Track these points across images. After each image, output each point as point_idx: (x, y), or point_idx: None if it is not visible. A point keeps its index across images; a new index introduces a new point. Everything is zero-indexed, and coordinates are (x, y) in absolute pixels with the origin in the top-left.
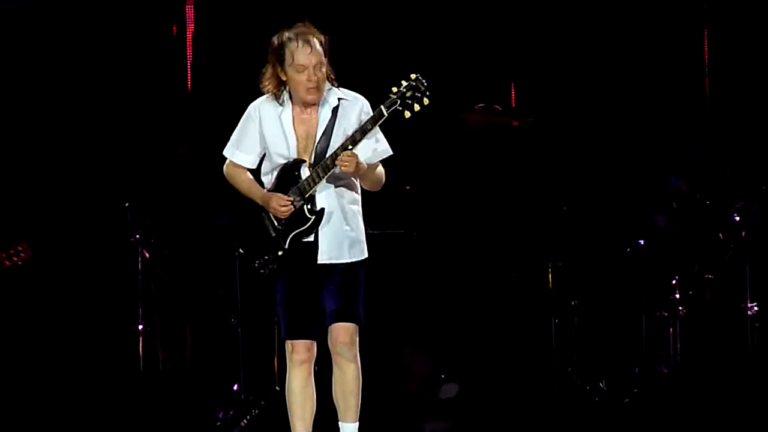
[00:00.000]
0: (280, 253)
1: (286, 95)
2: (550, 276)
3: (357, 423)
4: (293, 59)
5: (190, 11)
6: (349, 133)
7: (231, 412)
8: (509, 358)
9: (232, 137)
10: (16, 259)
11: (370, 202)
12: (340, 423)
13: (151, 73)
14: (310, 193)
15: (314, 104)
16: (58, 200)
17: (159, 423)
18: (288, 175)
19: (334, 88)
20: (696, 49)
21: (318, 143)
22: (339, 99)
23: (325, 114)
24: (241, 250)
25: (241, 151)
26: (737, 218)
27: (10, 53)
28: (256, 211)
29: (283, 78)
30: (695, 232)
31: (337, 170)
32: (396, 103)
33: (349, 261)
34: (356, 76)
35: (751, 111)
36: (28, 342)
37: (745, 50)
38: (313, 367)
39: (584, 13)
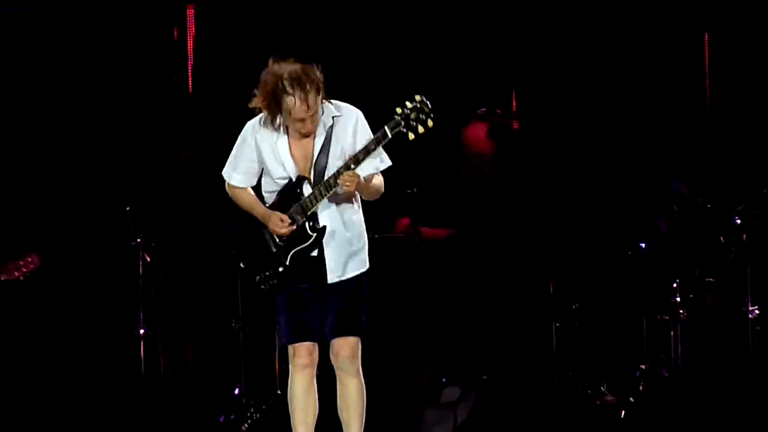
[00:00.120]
0: (281, 269)
1: (280, 120)
2: (550, 279)
3: None
4: (291, 113)
5: (190, 13)
6: (346, 148)
7: (232, 416)
8: (510, 361)
9: (230, 159)
10: (25, 270)
11: (371, 205)
12: None
13: (152, 76)
14: (312, 210)
15: None
16: (59, 204)
17: (160, 427)
18: (290, 192)
19: (326, 103)
20: (696, 52)
21: (316, 162)
22: (333, 117)
23: (320, 134)
24: (241, 265)
25: (238, 174)
26: (738, 221)
27: (12, 57)
28: (257, 225)
29: (279, 113)
30: (696, 235)
31: (339, 189)
32: (400, 124)
33: (352, 275)
34: (357, 82)
35: (751, 114)
36: (30, 346)
37: (745, 53)
38: (315, 371)
39: (585, 16)
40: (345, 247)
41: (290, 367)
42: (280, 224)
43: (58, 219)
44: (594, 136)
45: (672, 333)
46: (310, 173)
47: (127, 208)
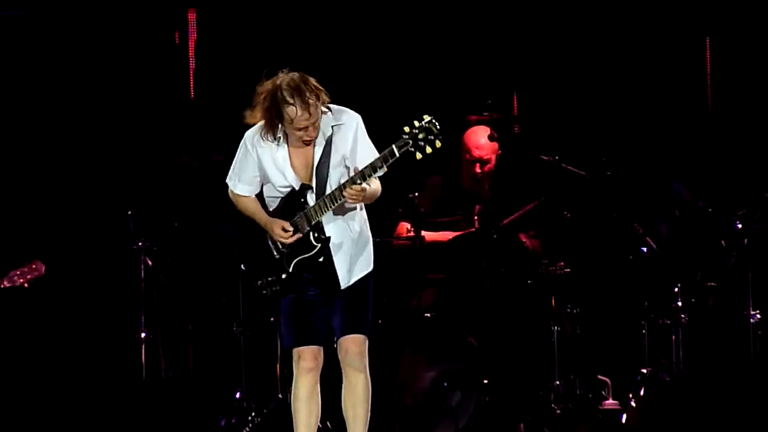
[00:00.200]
0: (283, 276)
1: (281, 133)
2: (552, 283)
3: None
4: (293, 122)
5: (192, 18)
6: (347, 156)
7: (233, 420)
8: (511, 365)
9: (233, 168)
10: (29, 277)
11: (372, 209)
12: None
13: (153, 80)
14: (316, 221)
15: None
16: (61, 208)
17: (162, 431)
18: (293, 200)
19: (325, 111)
20: (698, 57)
21: (317, 171)
22: (332, 126)
23: (319, 142)
24: (243, 267)
25: (242, 183)
26: (739, 226)
27: (13, 62)
28: (260, 230)
29: (280, 126)
30: (697, 239)
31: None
32: (408, 144)
33: (359, 277)
34: (358, 85)
35: (753, 119)
36: (31, 349)
37: (747, 58)
38: (319, 375)
39: (587, 22)
40: (352, 254)
41: (294, 370)
42: (284, 234)
43: (60, 223)
44: (596, 141)
45: (673, 337)
46: (311, 182)
47: (129, 212)
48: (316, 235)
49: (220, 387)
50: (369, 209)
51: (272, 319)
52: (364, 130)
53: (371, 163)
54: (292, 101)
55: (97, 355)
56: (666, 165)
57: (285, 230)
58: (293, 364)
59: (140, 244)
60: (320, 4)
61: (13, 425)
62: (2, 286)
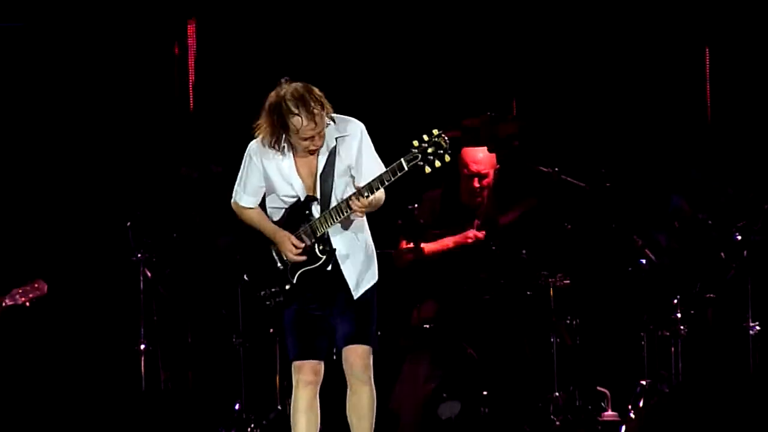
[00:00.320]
0: (287, 287)
1: (285, 142)
2: (551, 294)
3: None
4: (298, 132)
5: (191, 30)
6: (352, 165)
7: (233, 431)
8: (510, 377)
9: (239, 180)
10: (32, 296)
11: (372, 222)
12: None
13: (153, 92)
14: (322, 233)
15: None
16: (60, 219)
17: None
18: (299, 212)
19: (329, 122)
20: (698, 67)
21: (322, 181)
22: (336, 138)
23: (323, 153)
24: (246, 277)
25: (247, 194)
26: (739, 237)
27: (12, 73)
28: (264, 240)
29: (285, 137)
30: (697, 251)
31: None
32: (417, 158)
33: (367, 287)
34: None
35: (752, 130)
36: (31, 361)
37: (746, 68)
38: (318, 388)
39: (586, 33)
40: (361, 264)
41: (294, 382)
42: (294, 250)
43: (59, 234)
44: (595, 152)
45: (673, 349)
46: (316, 192)
47: (128, 224)
48: (321, 246)
49: (220, 398)
50: (368, 219)
51: (271, 330)
52: (369, 139)
53: (379, 177)
54: (297, 111)
55: (96, 366)
56: (665, 177)
57: (295, 246)
58: (293, 376)
59: (139, 255)
60: (320, 15)
61: None
62: (4, 304)
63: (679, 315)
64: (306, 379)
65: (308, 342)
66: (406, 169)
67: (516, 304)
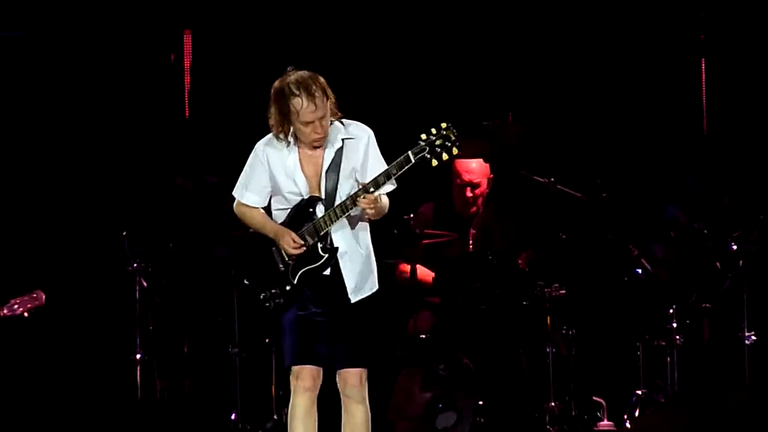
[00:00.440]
0: (288, 288)
1: (291, 136)
2: (547, 304)
3: None
4: (299, 115)
5: (188, 40)
6: (357, 168)
7: None
8: (506, 386)
9: (241, 178)
10: (30, 306)
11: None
12: None
13: (148, 101)
14: (325, 231)
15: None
16: (56, 229)
17: None
18: (302, 212)
19: (337, 123)
20: (693, 79)
21: (326, 182)
22: (343, 139)
23: (329, 154)
24: (246, 281)
25: (250, 192)
26: (735, 247)
27: (10, 82)
28: (266, 243)
29: (288, 125)
30: (693, 261)
31: (353, 211)
32: (424, 150)
33: (367, 295)
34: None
35: (748, 140)
36: (27, 371)
37: (742, 79)
38: (316, 395)
39: (582, 44)
40: (361, 266)
41: (292, 389)
42: (292, 244)
43: (53, 243)
44: (591, 163)
45: (668, 359)
46: (320, 192)
47: (124, 233)
48: (323, 245)
49: (216, 408)
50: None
51: (268, 340)
52: (376, 144)
53: (385, 171)
54: (297, 93)
55: (92, 376)
56: (661, 186)
57: (294, 241)
58: (291, 382)
59: (135, 265)
60: (315, 25)
61: None
62: (2, 314)
63: (674, 325)
64: (305, 386)
65: (307, 347)
66: (413, 161)
67: (512, 314)
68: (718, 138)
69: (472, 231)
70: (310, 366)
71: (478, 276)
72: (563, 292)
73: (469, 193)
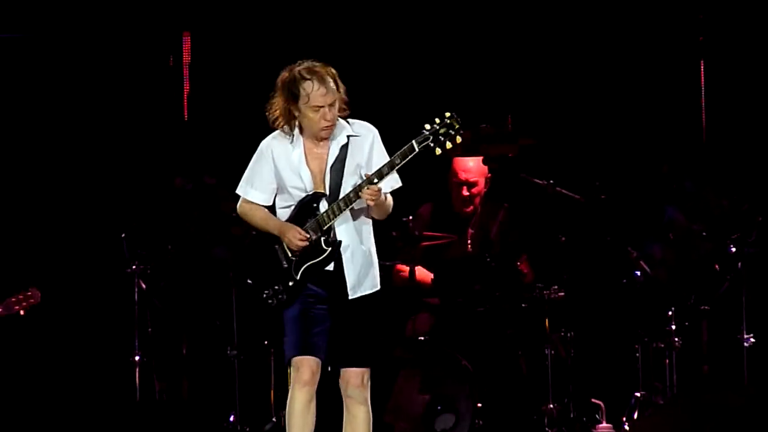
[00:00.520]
0: (290, 283)
1: (296, 130)
2: (546, 306)
3: None
4: (309, 99)
5: (186, 41)
6: (362, 165)
7: None
8: (505, 389)
9: (245, 176)
10: (25, 304)
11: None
12: None
13: (147, 103)
14: (328, 225)
15: (326, 138)
16: (55, 230)
17: None
18: (306, 208)
19: (342, 121)
20: (692, 81)
21: (331, 178)
22: (348, 136)
23: (334, 150)
24: (249, 281)
25: (254, 189)
26: (733, 249)
27: (9, 84)
28: (269, 242)
29: (296, 113)
30: (691, 263)
31: (356, 205)
32: (428, 139)
33: (368, 293)
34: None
35: (747, 142)
36: (25, 372)
37: (741, 82)
38: (315, 389)
39: (581, 45)
40: (363, 261)
41: (291, 382)
42: (297, 236)
43: (52, 245)
44: (589, 165)
45: (667, 361)
46: (324, 187)
47: (123, 235)
48: (326, 238)
49: (214, 410)
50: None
51: (266, 342)
52: (381, 143)
53: (389, 161)
54: (309, 77)
55: (91, 378)
56: (660, 189)
57: (299, 233)
58: (290, 376)
59: (134, 267)
60: (313, 28)
61: None
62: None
63: (673, 327)
64: (304, 379)
65: (308, 338)
66: (417, 149)
67: (511, 316)
68: (717, 140)
69: (470, 231)
70: (310, 357)
71: (477, 278)
72: (562, 294)
73: (465, 192)
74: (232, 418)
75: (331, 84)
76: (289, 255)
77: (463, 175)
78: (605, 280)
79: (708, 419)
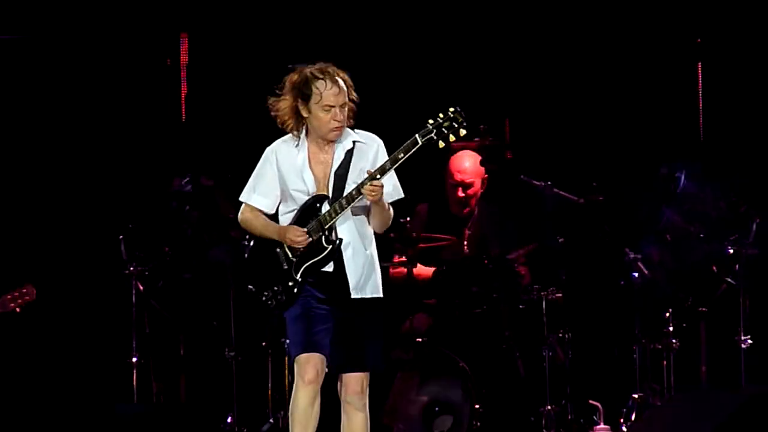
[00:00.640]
0: (290, 284)
1: (302, 134)
2: (544, 308)
3: None
4: (321, 98)
5: (184, 42)
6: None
7: None
8: (502, 390)
9: (249, 183)
10: (21, 302)
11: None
12: None
13: (145, 104)
14: (330, 224)
15: (332, 142)
16: (52, 231)
17: None
18: (309, 210)
19: (348, 129)
20: (690, 83)
21: (334, 183)
22: (354, 141)
23: (339, 155)
24: (250, 287)
25: (258, 195)
26: (731, 251)
27: (6, 85)
28: (270, 246)
29: (305, 114)
30: (689, 264)
31: (358, 210)
32: (431, 132)
33: (370, 296)
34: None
35: (745, 143)
36: (21, 373)
37: (739, 84)
38: (319, 387)
39: (578, 46)
40: (365, 263)
41: (296, 380)
42: (298, 233)
43: (51, 247)
44: (587, 166)
45: (665, 362)
46: (327, 191)
47: (121, 237)
48: (326, 235)
49: (212, 411)
50: None
51: (264, 343)
52: (386, 153)
53: (392, 156)
54: (321, 76)
55: (88, 379)
56: (657, 190)
57: (297, 235)
58: (295, 374)
59: (132, 268)
60: (310, 29)
61: None
62: None
63: (671, 328)
64: (308, 377)
65: (311, 336)
66: (420, 143)
67: (508, 318)
68: (714, 142)
69: (467, 232)
70: (315, 354)
71: (474, 279)
72: (560, 295)
73: (461, 194)
74: (229, 419)
75: (343, 85)
76: (290, 256)
77: (458, 177)
78: (603, 281)
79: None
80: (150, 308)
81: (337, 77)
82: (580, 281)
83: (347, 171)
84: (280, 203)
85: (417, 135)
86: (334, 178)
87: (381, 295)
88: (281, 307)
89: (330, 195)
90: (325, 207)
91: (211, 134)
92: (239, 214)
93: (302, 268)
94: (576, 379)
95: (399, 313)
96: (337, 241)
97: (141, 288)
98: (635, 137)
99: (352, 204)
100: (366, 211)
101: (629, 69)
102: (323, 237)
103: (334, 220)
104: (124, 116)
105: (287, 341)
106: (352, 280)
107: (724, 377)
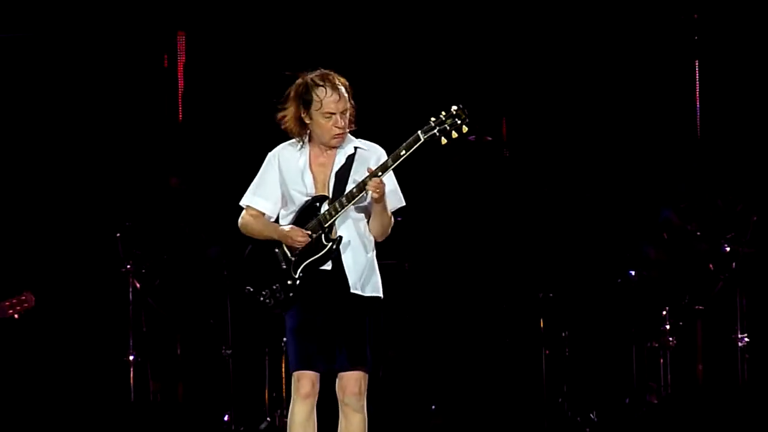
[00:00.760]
0: (289, 282)
1: (305, 138)
2: (541, 307)
3: None
4: (321, 105)
5: (181, 41)
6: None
7: None
8: (500, 388)
9: (251, 186)
10: (19, 308)
11: None
12: None
13: (142, 103)
14: (329, 222)
15: (334, 147)
16: (49, 230)
17: None
18: (309, 210)
19: (350, 135)
20: (687, 81)
21: (335, 184)
22: (356, 147)
23: (340, 159)
24: (248, 288)
25: (259, 197)
26: (728, 249)
27: (3, 83)
28: (269, 247)
29: (307, 121)
30: (686, 263)
31: (358, 213)
32: (434, 129)
33: (369, 295)
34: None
35: (741, 142)
36: (19, 372)
37: (736, 81)
38: (315, 401)
39: (576, 45)
40: (365, 263)
41: (292, 394)
42: (297, 233)
43: (47, 245)
44: (584, 165)
45: (661, 360)
46: (327, 192)
47: (118, 235)
48: (326, 234)
49: (209, 410)
50: None
51: (261, 342)
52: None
53: (394, 153)
54: (321, 83)
55: (85, 378)
56: (655, 189)
57: (298, 235)
58: (292, 388)
59: (129, 266)
60: (308, 29)
61: None
62: None
63: (667, 327)
64: (304, 392)
65: (307, 353)
66: (422, 139)
67: (505, 316)
68: (711, 140)
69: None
70: (309, 372)
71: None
72: (557, 293)
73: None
74: (226, 418)
75: (344, 92)
76: (289, 256)
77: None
78: (600, 279)
79: (702, 419)
80: (147, 306)
81: (338, 84)
82: (577, 279)
83: (347, 175)
84: (281, 208)
85: (419, 131)
86: (335, 180)
87: (381, 295)
88: (280, 306)
89: (330, 196)
90: (325, 206)
91: (209, 133)
92: (240, 219)
93: (301, 266)
94: (573, 377)
95: (396, 312)
96: (336, 239)
97: (138, 286)
98: (632, 136)
99: (352, 203)
100: (366, 212)
101: (626, 67)
102: (322, 235)
103: (333, 218)
104: (121, 115)
105: (284, 339)
106: (351, 279)
107: (721, 375)
